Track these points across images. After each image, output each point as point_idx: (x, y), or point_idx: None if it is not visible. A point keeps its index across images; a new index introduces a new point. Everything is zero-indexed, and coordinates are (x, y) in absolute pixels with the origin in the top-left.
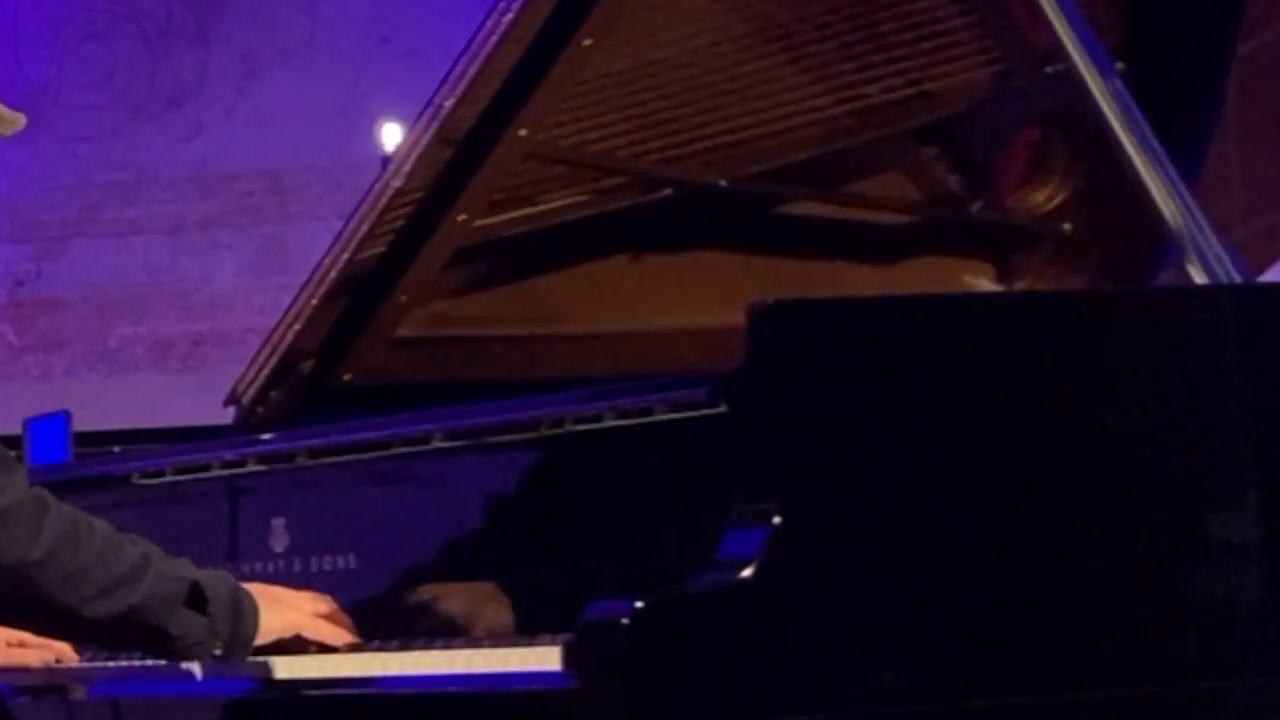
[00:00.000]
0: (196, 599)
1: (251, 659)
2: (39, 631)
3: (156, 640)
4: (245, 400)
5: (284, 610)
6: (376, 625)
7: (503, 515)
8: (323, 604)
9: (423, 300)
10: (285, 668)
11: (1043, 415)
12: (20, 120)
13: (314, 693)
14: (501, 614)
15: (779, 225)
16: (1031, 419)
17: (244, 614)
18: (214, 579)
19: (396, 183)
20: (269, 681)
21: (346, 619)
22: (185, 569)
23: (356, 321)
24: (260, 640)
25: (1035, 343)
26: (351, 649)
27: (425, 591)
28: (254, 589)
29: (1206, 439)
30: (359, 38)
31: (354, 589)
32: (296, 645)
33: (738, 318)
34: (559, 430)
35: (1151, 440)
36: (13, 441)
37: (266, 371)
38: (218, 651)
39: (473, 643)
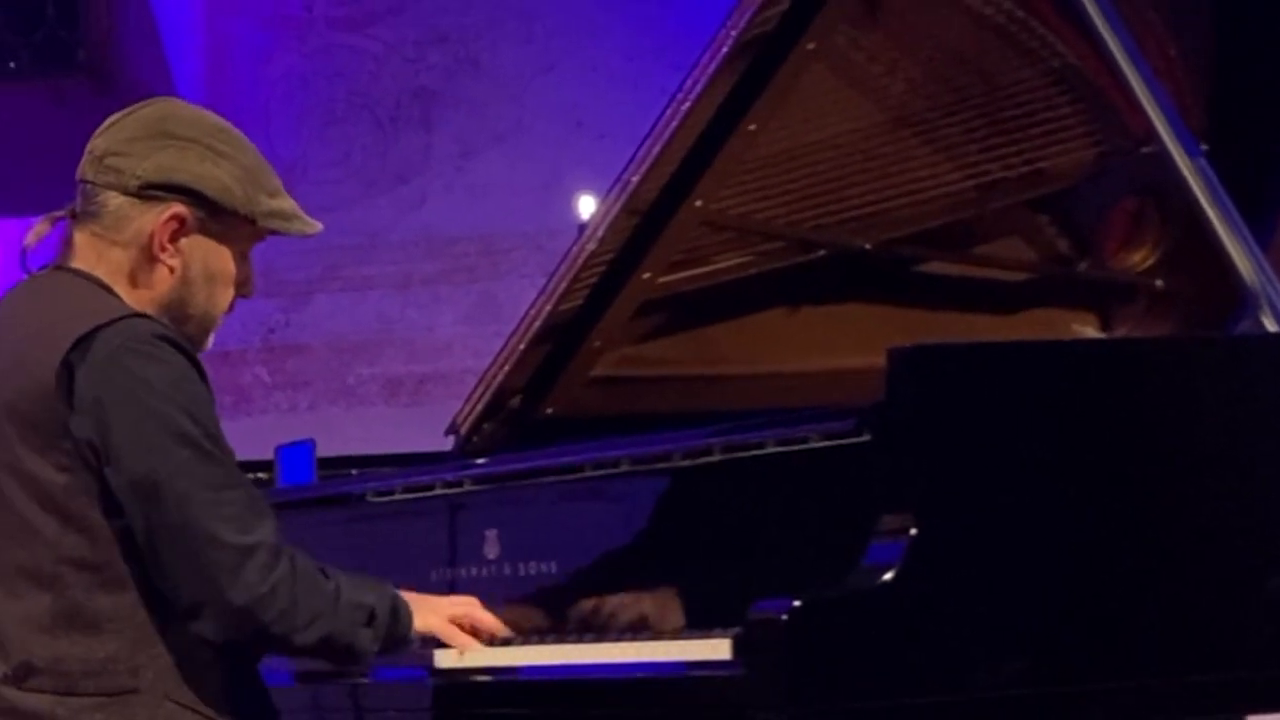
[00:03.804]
0: (369, 616)
1: (485, 647)
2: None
3: (341, 656)
4: (463, 430)
5: (426, 615)
6: (574, 621)
7: (679, 528)
8: (460, 607)
9: (613, 345)
10: (499, 656)
11: (1141, 442)
12: (318, 226)
13: (528, 678)
14: (678, 612)
15: (914, 281)
16: (1130, 445)
17: (400, 619)
18: (379, 593)
19: (591, 246)
20: (483, 669)
21: (488, 618)
22: (363, 592)
23: (557, 363)
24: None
25: (1134, 380)
26: (556, 641)
27: (615, 592)
28: (408, 596)
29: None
30: (559, 123)
31: (555, 591)
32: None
33: (879, 360)
34: (727, 455)
35: (1232, 461)
36: (265, 465)
37: (481, 406)
38: (375, 650)
39: (655, 636)
